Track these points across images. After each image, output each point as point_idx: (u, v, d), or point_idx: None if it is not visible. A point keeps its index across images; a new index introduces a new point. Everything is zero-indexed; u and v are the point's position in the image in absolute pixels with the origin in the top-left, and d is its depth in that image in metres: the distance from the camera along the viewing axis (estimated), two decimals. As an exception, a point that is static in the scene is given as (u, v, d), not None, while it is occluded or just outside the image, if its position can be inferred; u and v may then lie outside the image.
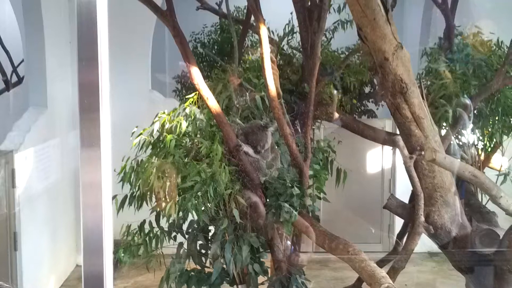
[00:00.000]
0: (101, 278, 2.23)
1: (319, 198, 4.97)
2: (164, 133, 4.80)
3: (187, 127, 4.79)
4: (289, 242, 4.96)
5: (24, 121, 7.21)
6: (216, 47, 9.10)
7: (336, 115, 5.80)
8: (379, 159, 9.25)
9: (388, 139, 5.76)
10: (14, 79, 9.69)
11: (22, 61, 9.12)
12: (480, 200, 5.95)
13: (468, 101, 5.60)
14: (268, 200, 4.68)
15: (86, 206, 2.21)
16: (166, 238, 4.92)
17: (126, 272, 8.04)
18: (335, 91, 6.27)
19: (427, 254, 8.81)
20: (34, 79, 7.61)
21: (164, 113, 4.91)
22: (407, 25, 10.60)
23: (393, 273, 4.93)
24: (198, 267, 5.01)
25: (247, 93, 5.16)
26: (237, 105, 4.85)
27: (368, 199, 9.25)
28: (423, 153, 4.58)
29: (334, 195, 7.71)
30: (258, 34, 4.57)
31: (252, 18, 6.94)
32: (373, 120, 8.13)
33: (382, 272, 3.84)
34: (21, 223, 6.72)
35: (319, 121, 6.50)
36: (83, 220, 2.21)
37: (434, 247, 6.03)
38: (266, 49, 4.49)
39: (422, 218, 4.79)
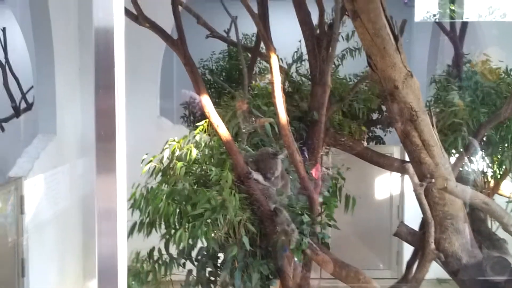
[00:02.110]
0: (116, 306, 2.22)
1: (329, 226, 4.95)
2: (174, 160, 4.80)
3: (197, 154, 4.79)
4: (299, 269, 4.93)
5: (33, 147, 7.22)
6: (224, 74, 9.16)
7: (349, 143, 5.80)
8: (388, 185, 9.24)
9: (398, 167, 5.76)
10: (23, 105, 9.79)
11: (32, 87, 9.20)
12: (490, 227, 5.93)
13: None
14: (278, 227, 4.67)
15: (101, 233, 2.21)
16: (175, 265, 4.91)
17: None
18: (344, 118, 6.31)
19: (436, 281, 8.73)
20: (44, 106, 7.64)
21: (174, 140, 4.92)
22: (415, 52, 10.66)
23: (403, 301, 4.90)
24: (207, 295, 4.99)
25: (256, 120, 5.17)
26: (245, 132, 4.85)
27: (376, 226, 9.22)
28: (433, 180, 4.58)
29: (342, 222, 7.71)
30: (269, 62, 4.60)
31: (261, 45, 7.03)
32: (380, 146, 8.13)
33: (394, 301, 3.82)
34: (29, 250, 6.71)
35: (327, 147, 6.52)
36: (98, 248, 2.21)
37: (443, 274, 6.01)
38: (277, 77, 4.51)
39: (433, 246, 4.78)
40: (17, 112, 9.75)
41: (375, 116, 7.78)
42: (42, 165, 7.07)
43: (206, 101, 4.54)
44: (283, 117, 4.50)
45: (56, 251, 7.63)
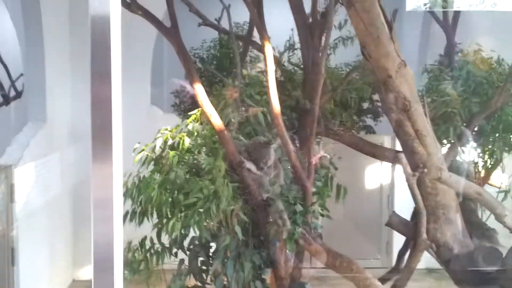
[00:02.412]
0: (112, 295, 2.20)
1: (322, 215, 4.95)
2: (167, 149, 4.77)
3: (189, 143, 4.76)
4: (291, 259, 4.92)
5: (23, 135, 7.17)
6: (214, 62, 9.12)
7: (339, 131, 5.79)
8: (378, 175, 9.25)
9: (390, 156, 5.76)
10: (13, 93, 9.70)
11: (21, 75, 9.12)
12: (480, 217, 5.95)
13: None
14: (271, 216, 4.65)
15: (97, 222, 2.19)
16: (167, 254, 4.90)
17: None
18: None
19: (426, 271, 8.77)
20: (33, 93, 7.58)
21: (166, 129, 4.89)
22: (405, 42, 10.63)
23: (395, 291, 4.91)
24: (199, 284, 4.98)
25: (248, 109, 5.15)
26: (233, 120, 4.80)
27: (366, 215, 9.25)
28: (426, 170, 4.58)
29: (333, 211, 7.71)
30: (263, 51, 4.57)
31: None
32: (371, 136, 8.13)
33: (387, 290, 3.82)
34: (19, 238, 6.67)
35: (319, 137, 6.50)
36: (93, 236, 2.19)
37: (433, 264, 6.02)
38: (271, 66, 4.49)
39: (425, 236, 4.79)
40: (6, 100, 9.66)
41: (365, 105, 7.78)
42: (32, 153, 7.02)
43: (199, 89, 4.51)
44: (276, 106, 4.48)
45: (46, 240, 7.60)
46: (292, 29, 6.46)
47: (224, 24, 7.50)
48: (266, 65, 4.51)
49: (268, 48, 4.52)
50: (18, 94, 9.52)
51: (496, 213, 4.12)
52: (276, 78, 6.19)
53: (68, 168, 8.18)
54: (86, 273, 8.64)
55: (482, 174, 6.34)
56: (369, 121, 8.12)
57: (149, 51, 8.75)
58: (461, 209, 5.30)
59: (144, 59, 8.80)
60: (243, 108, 5.25)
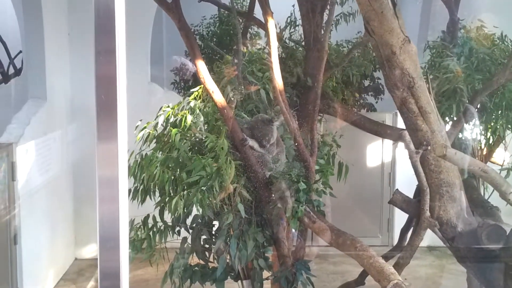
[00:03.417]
0: (118, 273, 2.19)
1: (325, 193, 4.93)
2: (169, 127, 4.74)
3: (192, 120, 4.73)
4: (294, 237, 4.92)
5: (23, 113, 7.13)
6: (215, 39, 9.06)
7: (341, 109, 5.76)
8: (379, 152, 9.23)
9: (393, 134, 5.73)
10: (11, 70, 9.63)
11: (20, 52, 9.05)
12: (482, 194, 5.93)
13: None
14: (273, 195, 4.64)
15: (102, 200, 2.17)
16: (170, 232, 4.89)
17: (126, 266, 8.00)
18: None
19: (427, 249, 8.80)
20: (33, 71, 7.53)
21: (168, 106, 4.86)
22: (406, 18, 10.55)
23: (397, 268, 4.88)
24: (202, 262, 4.98)
25: (249, 87, 5.11)
26: (232, 98, 4.75)
27: (368, 193, 9.24)
28: (429, 148, 4.55)
29: (334, 189, 7.71)
30: (266, 27, 4.52)
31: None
32: (372, 113, 8.11)
33: (391, 269, 3.81)
34: (21, 217, 6.66)
35: (321, 114, 6.46)
36: (99, 215, 2.17)
37: (434, 242, 6.02)
38: (274, 42, 4.44)
39: (428, 213, 4.77)
40: (5, 78, 9.59)
41: (367, 83, 7.75)
42: (33, 131, 6.99)
43: (201, 66, 4.47)
44: (279, 83, 4.44)
45: (48, 218, 7.59)
46: (293, 5, 6.41)
47: (225, 0, 7.45)
48: (269, 41, 4.46)
49: (271, 23, 4.48)
50: (17, 72, 9.45)
51: (501, 190, 4.10)
52: (278, 55, 6.17)
53: (69, 146, 8.15)
54: (88, 251, 8.66)
55: (485, 152, 6.31)
56: (370, 99, 8.10)
57: (149, 28, 8.69)
58: (464, 186, 5.29)
59: (143, 36, 8.73)
60: (242, 86, 5.21)
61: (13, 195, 6.45)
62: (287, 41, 6.80)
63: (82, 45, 7.98)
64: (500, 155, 6.34)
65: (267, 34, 4.52)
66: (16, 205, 6.51)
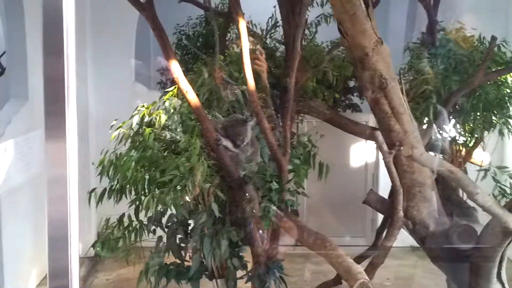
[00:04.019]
0: (67, 273, 2.22)
1: (298, 193, 4.95)
2: (143, 127, 4.77)
3: (166, 120, 4.76)
4: (266, 237, 4.94)
5: (5, 112, 7.14)
6: (200, 39, 9.06)
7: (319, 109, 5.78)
8: (363, 153, 9.26)
9: (370, 134, 5.75)
10: (-3, 70, 9.65)
11: (5, 52, 9.06)
12: (460, 195, 5.96)
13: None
14: (246, 194, 4.66)
15: (51, 200, 2.20)
16: (146, 231, 4.91)
17: (109, 265, 8.02)
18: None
19: (410, 249, 8.81)
20: (15, 70, 7.54)
21: (143, 106, 4.88)
22: (393, 20, 10.60)
23: (371, 268, 4.93)
24: (178, 261, 5.01)
25: (227, 87, 5.13)
26: (216, 99, 4.80)
27: (351, 194, 9.25)
28: (402, 148, 4.59)
29: (318, 190, 7.72)
30: (237, 27, 4.53)
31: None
32: (357, 114, 8.13)
33: (359, 268, 3.84)
34: (1, 215, 6.65)
35: (302, 115, 6.49)
36: (48, 214, 2.20)
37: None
38: (245, 43, 4.46)
39: (401, 213, 4.80)
40: (-9, 77, 9.62)
41: (352, 83, 7.76)
42: (14, 130, 6.99)
43: (174, 66, 4.48)
44: (251, 83, 4.46)
45: (30, 216, 7.58)
46: (274, 6, 6.43)
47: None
48: (240, 42, 4.48)
49: (242, 24, 4.50)
50: (3, 71, 9.47)
51: (467, 190, 4.12)
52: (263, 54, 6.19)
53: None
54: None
55: (463, 153, 6.34)
56: (355, 100, 8.12)
57: (133, 27, 8.68)
58: (441, 187, 5.33)
59: (127, 35, 8.74)
60: (223, 86, 5.24)
61: (-7, 194, 6.46)
62: (268, 42, 6.81)
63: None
64: (479, 156, 6.37)
65: (238, 35, 4.53)
66: (-5, 203, 6.51)
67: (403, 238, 5.14)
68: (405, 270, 8.53)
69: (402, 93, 4.73)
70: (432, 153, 5.65)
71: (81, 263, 8.36)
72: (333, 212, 9.11)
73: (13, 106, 7.29)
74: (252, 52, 5.59)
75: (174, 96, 4.96)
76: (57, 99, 2.14)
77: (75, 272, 2.25)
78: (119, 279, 8.01)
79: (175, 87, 4.88)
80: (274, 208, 4.55)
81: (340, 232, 8.99)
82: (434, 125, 5.57)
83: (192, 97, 4.52)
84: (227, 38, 7.30)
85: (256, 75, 4.72)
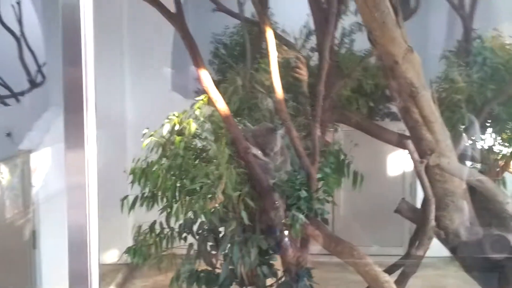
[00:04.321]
0: (86, 277, 2.26)
1: (327, 202, 4.94)
2: (174, 135, 4.82)
3: (196, 128, 4.80)
4: (296, 245, 4.94)
5: (43, 121, 7.27)
6: (238, 48, 9.11)
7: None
8: (401, 162, 9.17)
9: (401, 143, 5.71)
10: (40, 79, 9.88)
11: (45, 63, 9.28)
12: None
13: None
14: (276, 202, 4.67)
15: (71, 207, 2.24)
16: (177, 238, 4.96)
17: (146, 272, 8.10)
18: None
19: (449, 259, 8.69)
20: (54, 80, 7.67)
21: (174, 114, 4.93)
22: (433, 28, 10.52)
23: (402, 278, 4.89)
24: (209, 268, 5.04)
25: (258, 96, 5.17)
26: (248, 107, 4.83)
27: (388, 203, 9.14)
28: (429, 157, 4.55)
29: (354, 199, 7.67)
30: (264, 37, 4.56)
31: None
32: (396, 123, 8.05)
33: (386, 277, 3.83)
34: (40, 222, 6.77)
35: (336, 124, 6.46)
36: (67, 221, 2.24)
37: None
38: (273, 52, 4.49)
39: (433, 223, 4.76)
40: (33, 85, 9.84)
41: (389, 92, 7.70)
42: (52, 138, 7.11)
43: (204, 75, 4.53)
44: (279, 92, 4.48)
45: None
46: (308, 15, 6.43)
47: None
48: (267, 50, 4.50)
49: (269, 33, 4.52)
50: (43, 80, 9.68)
51: (497, 200, 4.08)
52: (291, 64, 6.20)
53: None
54: (110, 256, 8.74)
55: (501, 162, 6.23)
56: (394, 108, 8.04)
57: (169, 36, 8.76)
58: (478, 196, 5.25)
59: (164, 44, 8.83)
60: (254, 95, 5.27)
61: (30, 201, 6.58)
62: (301, 50, 6.81)
63: (103, 53, 8.12)
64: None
65: (266, 44, 4.56)
66: (31, 210, 6.63)
67: (443, 248, 5.09)
68: (443, 280, 8.42)
69: (434, 102, 4.69)
70: (467, 162, 5.58)
71: (119, 270, 8.47)
72: (370, 221, 9.05)
73: (52, 115, 7.42)
74: (293, 61, 5.62)
75: (205, 105, 5.00)
76: (76, 108, 2.19)
77: (94, 277, 2.30)
78: (156, 286, 8.07)
79: (205, 96, 4.93)
80: (302, 216, 4.54)
81: (377, 241, 8.92)
82: (468, 134, 5.49)
83: (222, 106, 4.56)
84: (262, 47, 7.32)
85: (297, 84, 4.73)
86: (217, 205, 4.55)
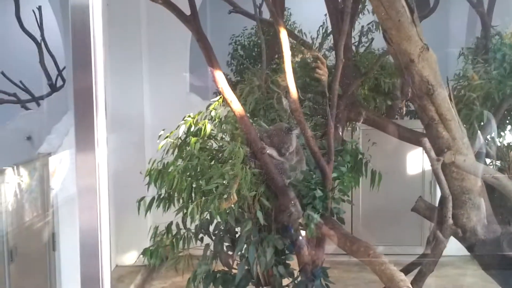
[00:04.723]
0: (98, 279, 2.27)
1: (343, 201, 4.92)
2: (190, 136, 4.84)
3: (212, 129, 4.82)
4: (312, 244, 4.93)
5: (63, 124, 7.33)
6: (256, 49, 9.13)
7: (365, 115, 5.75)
8: (420, 160, 9.12)
9: (418, 141, 5.68)
10: (60, 82, 9.96)
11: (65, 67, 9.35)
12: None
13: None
14: (291, 202, 4.67)
15: (82, 209, 2.26)
16: (193, 239, 4.97)
17: (165, 273, 8.13)
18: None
19: (469, 258, 8.62)
20: (73, 83, 7.72)
21: (189, 116, 4.95)
22: (452, 25, 10.46)
23: (420, 276, 4.87)
24: (225, 268, 5.05)
25: (274, 96, 5.17)
26: (263, 108, 4.84)
27: (408, 201, 9.11)
28: (444, 155, 4.52)
29: (374, 198, 7.63)
30: (278, 37, 4.55)
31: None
32: (416, 121, 8.03)
33: (402, 276, 3.80)
34: (59, 224, 6.83)
35: (354, 123, 6.45)
36: (79, 223, 2.26)
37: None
38: (287, 52, 4.48)
39: (451, 221, 4.73)
40: (53, 90, 9.91)
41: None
42: (71, 141, 7.15)
43: (219, 76, 4.55)
44: (293, 91, 4.48)
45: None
46: (325, 14, 6.44)
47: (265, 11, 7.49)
48: (281, 51, 4.50)
49: (283, 34, 4.51)
50: (63, 84, 9.76)
51: (513, 197, 4.05)
52: (308, 64, 6.20)
53: (107, 155, 8.32)
54: (129, 258, 8.80)
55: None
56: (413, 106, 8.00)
57: (187, 38, 8.80)
58: (497, 194, 5.21)
59: (182, 47, 8.87)
60: (269, 95, 5.28)
61: (49, 203, 6.64)
62: (318, 50, 6.82)
63: (120, 57, 8.18)
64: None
65: (280, 44, 4.55)
66: (49, 212, 6.68)
67: (461, 247, 5.06)
68: (464, 279, 8.36)
69: (450, 100, 4.65)
70: (486, 160, 5.54)
71: (137, 271, 8.52)
72: (389, 220, 9.01)
73: (71, 118, 7.44)
74: (312, 60, 5.61)
75: (224, 106, 5.01)
76: (86, 112, 2.21)
77: (106, 280, 2.31)
78: (175, 287, 8.11)
79: (220, 97, 4.94)
80: (317, 216, 4.53)
81: (397, 240, 8.88)
82: (486, 132, 5.45)
83: (237, 107, 4.57)
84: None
85: (315, 83, 4.72)
86: (232, 205, 4.56)
